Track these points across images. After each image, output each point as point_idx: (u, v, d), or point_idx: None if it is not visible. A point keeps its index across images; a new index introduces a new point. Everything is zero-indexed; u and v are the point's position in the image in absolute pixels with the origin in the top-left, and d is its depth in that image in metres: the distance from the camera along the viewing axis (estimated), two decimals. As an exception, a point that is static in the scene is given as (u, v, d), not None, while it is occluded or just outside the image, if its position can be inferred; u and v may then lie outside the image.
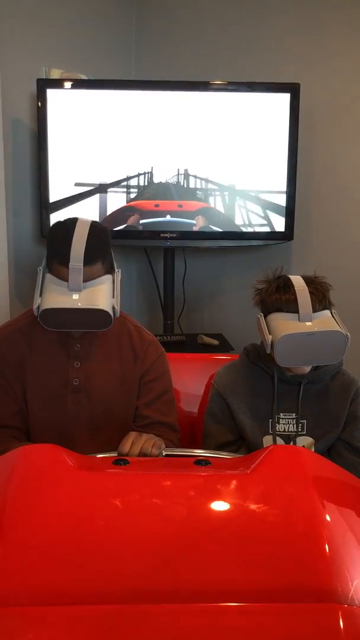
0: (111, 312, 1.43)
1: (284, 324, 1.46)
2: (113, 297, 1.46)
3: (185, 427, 1.81)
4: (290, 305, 1.48)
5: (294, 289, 1.48)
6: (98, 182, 2.61)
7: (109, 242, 1.54)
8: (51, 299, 1.42)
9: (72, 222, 1.50)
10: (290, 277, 1.53)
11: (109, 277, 1.49)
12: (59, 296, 1.42)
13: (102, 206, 2.61)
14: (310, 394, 1.62)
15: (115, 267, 1.54)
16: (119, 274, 1.52)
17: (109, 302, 1.44)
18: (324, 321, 1.47)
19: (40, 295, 1.44)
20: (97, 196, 2.61)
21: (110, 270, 1.52)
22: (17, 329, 1.63)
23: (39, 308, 1.41)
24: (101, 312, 1.42)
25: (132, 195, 2.64)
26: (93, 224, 1.51)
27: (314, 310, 1.47)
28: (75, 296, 1.41)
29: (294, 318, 1.47)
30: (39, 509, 0.96)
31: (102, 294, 1.44)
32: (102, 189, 2.62)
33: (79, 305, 1.40)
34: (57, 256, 1.45)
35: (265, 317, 1.53)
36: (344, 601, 0.83)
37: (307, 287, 1.49)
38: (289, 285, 1.50)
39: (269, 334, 1.47)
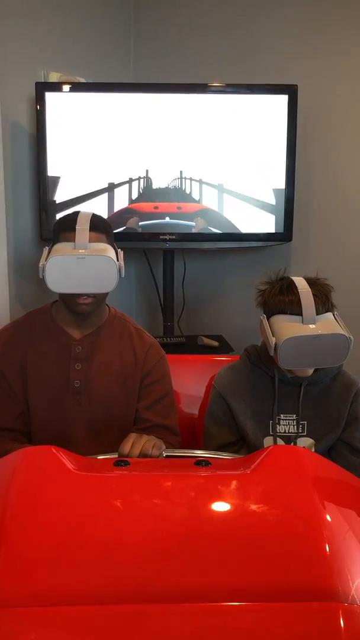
0: (116, 265, 1.47)
1: (287, 327, 1.45)
2: (118, 260, 1.50)
3: (186, 429, 1.81)
4: (293, 307, 1.47)
5: (297, 291, 1.48)
6: (97, 185, 2.62)
7: (111, 228, 1.60)
8: (57, 252, 1.47)
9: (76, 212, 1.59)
10: (293, 278, 1.52)
11: (113, 250, 1.53)
12: (65, 250, 1.48)
13: (102, 208, 2.61)
14: (310, 395, 1.62)
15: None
16: (122, 254, 1.55)
17: (114, 258, 1.48)
18: (328, 324, 1.46)
19: (47, 258, 1.48)
20: (96, 198, 2.62)
21: (113, 246, 1.56)
22: (18, 331, 1.63)
23: (44, 267, 1.45)
24: (107, 262, 1.46)
25: (132, 198, 2.64)
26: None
27: (317, 313, 1.46)
28: (82, 250, 1.47)
29: (298, 320, 1.46)
30: (39, 510, 0.96)
31: (107, 252, 1.48)
32: (101, 191, 2.62)
33: (85, 255, 1.45)
34: (64, 226, 1.53)
35: (268, 318, 1.53)
36: (344, 600, 0.83)
37: (310, 289, 1.48)
38: (292, 287, 1.50)
39: (273, 336, 1.47)
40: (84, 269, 1.45)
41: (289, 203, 2.68)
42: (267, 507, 1.00)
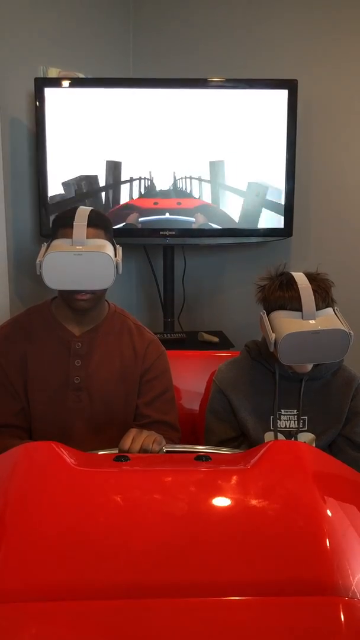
0: (113, 262, 1.45)
1: (287, 322, 1.45)
2: (115, 256, 1.49)
3: (186, 425, 1.81)
4: (293, 303, 1.47)
5: (297, 287, 1.47)
6: (97, 181, 2.61)
7: (111, 224, 1.59)
8: (55, 249, 1.46)
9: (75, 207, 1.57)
10: (293, 274, 1.52)
11: (111, 246, 1.52)
12: (62, 246, 1.46)
13: (101, 204, 2.61)
14: (311, 390, 1.62)
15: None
16: (120, 251, 1.54)
17: (112, 255, 1.47)
18: (328, 319, 1.46)
19: (44, 254, 1.47)
20: (96, 194, 2.62)
21: (112, 243, 1.55)
22: (18, 327, 1.64)
23: (41, 263, 1.44)
24: (104, 259, 1.44)
25: (131, 193, 2.64)
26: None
27: (317, 308, 1.46)
28: (79, 247, 1.46)
29: (298, 316, 1.46)
30: (40, 505, 0.96)
31: (105, 249, 1.47)
32: (101, 187, 2.62)
33: (82, 251, 1.44)
34: (62, 222, 1.52)
35: (268, 314, 1.52)
36: (344, 594, 0.83)
37: (310, 285, 1.48)
38: (292, 283, 1.49)
39: (272, 332, 1.47)
40: (81, 265, 1.45)
41: (289, 198, 2.68)
42: (268, 502, 1.00)
